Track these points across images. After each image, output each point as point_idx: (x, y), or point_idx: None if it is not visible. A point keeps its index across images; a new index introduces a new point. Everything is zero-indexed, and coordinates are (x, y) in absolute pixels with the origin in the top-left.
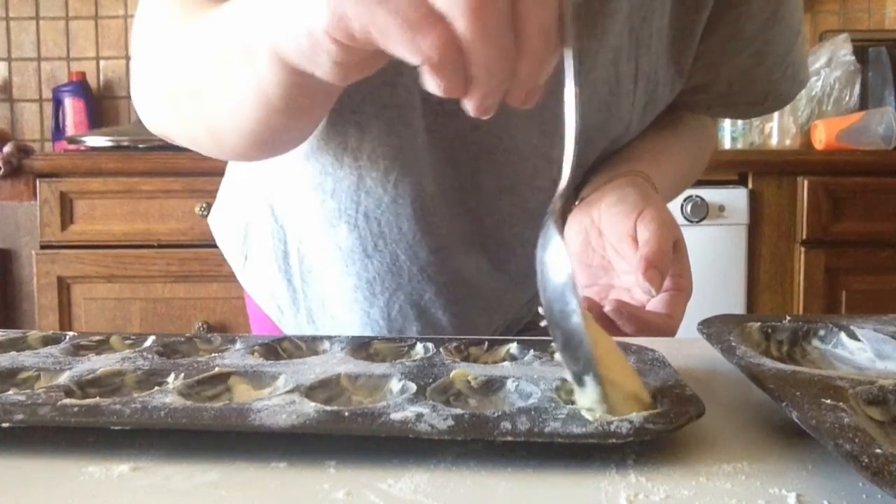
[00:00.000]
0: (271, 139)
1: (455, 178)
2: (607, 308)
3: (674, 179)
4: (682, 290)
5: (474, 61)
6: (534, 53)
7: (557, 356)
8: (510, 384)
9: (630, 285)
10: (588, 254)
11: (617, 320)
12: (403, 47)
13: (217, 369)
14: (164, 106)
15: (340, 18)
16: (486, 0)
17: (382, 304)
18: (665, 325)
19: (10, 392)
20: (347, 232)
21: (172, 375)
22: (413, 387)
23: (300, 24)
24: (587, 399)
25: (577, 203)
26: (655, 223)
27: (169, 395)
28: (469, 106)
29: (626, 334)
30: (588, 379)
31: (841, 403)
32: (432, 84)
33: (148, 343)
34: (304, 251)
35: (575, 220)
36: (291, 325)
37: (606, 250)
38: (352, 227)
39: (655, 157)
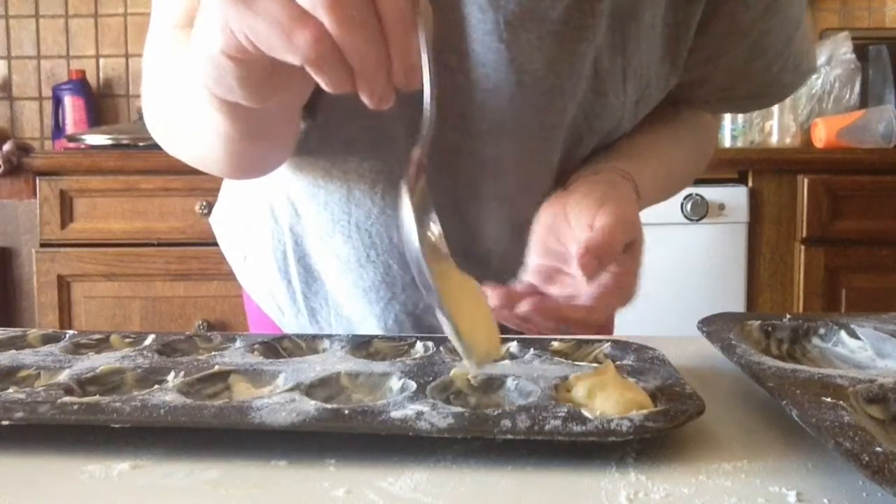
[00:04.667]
0: (250, 164)
1: (446, 189)
2: (520, 309)
3: (664, 179)
4: (619, 288)
5: (347, 50)
6: (396, 34)
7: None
8: (510, 382)
9: (577, 275)
10: (550, 239)
11: (533, 318)
12: (283, 50)
13: (217, 367)
14: (161, 139)
15: (228, 35)
16: None
17: (379, 312)
18: (585, 319)
19: (11, 390)
20: (342, 242)
21: (172, 374)
22: (413, 385)
23: (204, 52)
24: (454, 343)
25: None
26: (612, 218)
27: (169, 394)
28: (364, 97)
29: (551, 332)
30: (451, 332)
31: (841, 402)
32: (319, 82)
33: (148, 341)
34: (303, 254)
35: (549, 206)
36: (293, 326)
37: (568, 239)
38: (346, 238)
39: (643, 156)
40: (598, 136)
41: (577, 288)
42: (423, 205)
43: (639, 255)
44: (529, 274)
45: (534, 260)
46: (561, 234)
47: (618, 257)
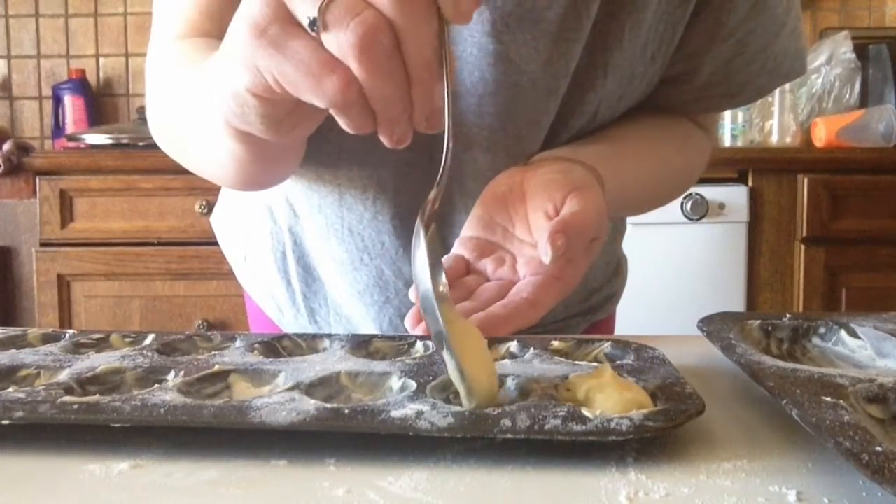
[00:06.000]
0: (261, 182)
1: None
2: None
3: (632, 196)
4: (561, 280)
5: (372, 95)
6: (421, 81)
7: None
8: (510, 382)
9: (515, 252)
10: (498, 211)
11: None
12: (311, 93)
13: (217, 367)
14: (170, 152)
15: (255, 74)
16: (370, 41)
17: (374, 315)
18: (520, 313)
19: (10, 390)
20: (337, 245)
21: (172, 373)
22: (413, 384)
23: (227, 87)
24: (457, 384)
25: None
26: (592, 206)
27: (169, 393)
28: (383, 138)
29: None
30: (455, 373)
31: (841, 401)
32: (342, 124)
33: (148, 341)
34: (302, 254)
35: (507, 174)
36: (292, 326)
37: (517, 212)
38: (340, 241)
39: (618, 164)
40: (572, 131)
41: (513, 271)
42: (433, 249)
43: (594, 253)
44: (462, 246)
45: (470, 232)
46: (513, 208)
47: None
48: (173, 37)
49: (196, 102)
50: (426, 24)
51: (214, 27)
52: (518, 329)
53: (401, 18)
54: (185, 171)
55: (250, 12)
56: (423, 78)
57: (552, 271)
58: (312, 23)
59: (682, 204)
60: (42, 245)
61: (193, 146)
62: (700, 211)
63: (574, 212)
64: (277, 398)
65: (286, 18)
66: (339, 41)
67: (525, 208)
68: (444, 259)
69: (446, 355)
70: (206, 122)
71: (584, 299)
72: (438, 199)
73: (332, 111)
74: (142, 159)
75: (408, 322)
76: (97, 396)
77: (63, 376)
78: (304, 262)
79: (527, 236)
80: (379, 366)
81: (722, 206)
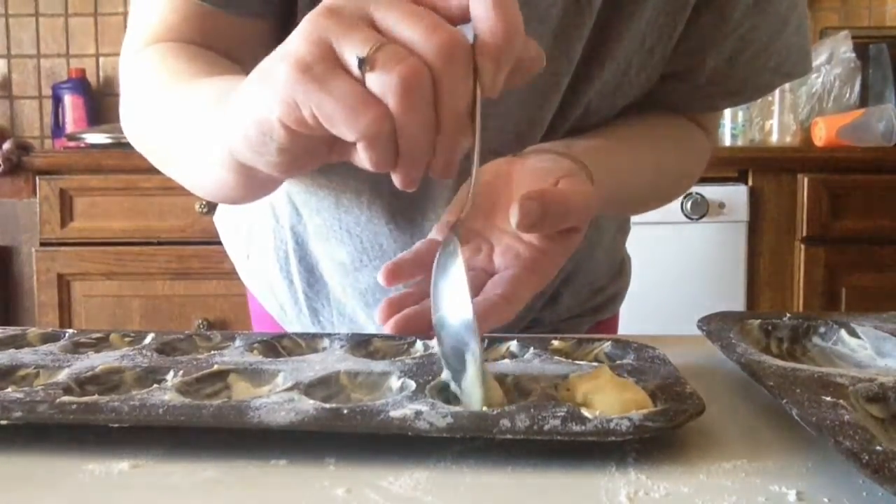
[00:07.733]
0: (235, 201)
1: (425, 189)
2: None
3: (624, 200)
4: (535, 272)
5: (402, 133)
6: (448, 131)
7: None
8: (509, 381)
9: (494, 242)
10: (480, 194)
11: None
12: (346, 126)
13: (216, 367)
14: (149, 156)
15: (291, 106)
16: (412, 83)
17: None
18: (496, 310)
19: (9, 389)
20: (336, 246)
21: (171, 373)
22: (412, 384)
23: (252, 115)
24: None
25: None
26: (580, 189)
27: (168, 393)
28: (397, 179)
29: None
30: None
31: (841, 401)
32: (366, 158)
33: (147, 340)
34: (304, 254)
35: (495, 163)
36: (295, 325)
37: (500, 199)
38: (339, 243)
39: (613, 166)
40: (568, 122)
41: (489, 260)
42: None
43: (572, 246)
44: (439, 231)
45: (451, 217)
46: (496, 194)
47: (555, 231)
48: (150, 38)
49: (183, 124)
50: (464, 82)
51: (192, 31)
52: (495, 326)
53: (442, 72)
54: None
55: (296, 50)
56: (451, 128)
57: (526, 263)
58: (361, 62)
59: (682, 203)
60: (42, 245)
61: (174, 161)
62: (700, 210)
63: (560, 189)
64: (276, 398)
65: (332, 59)
66: (383, 80)
67: (510, 195)
68: (419, 242)
69: (473, 371)
70: (193, 144)
71: (588, 299)
72: (466, 218)
73: (360, 145)
74: (142, 159)
75: (380, 315)
76: (96, 396)
77: (62, 376)
78: (307, 261)
79: (507, 225)
80: (378, 365)
81: (722, 205)
